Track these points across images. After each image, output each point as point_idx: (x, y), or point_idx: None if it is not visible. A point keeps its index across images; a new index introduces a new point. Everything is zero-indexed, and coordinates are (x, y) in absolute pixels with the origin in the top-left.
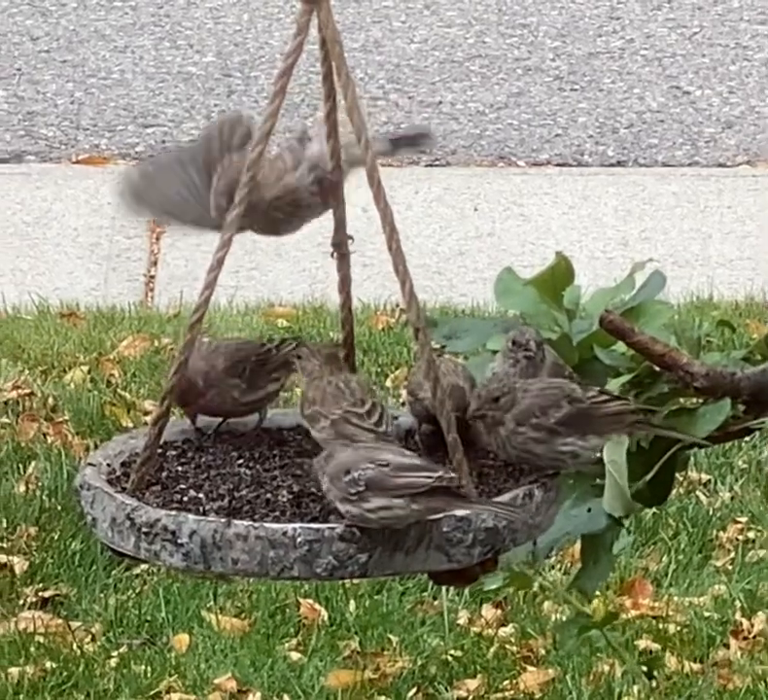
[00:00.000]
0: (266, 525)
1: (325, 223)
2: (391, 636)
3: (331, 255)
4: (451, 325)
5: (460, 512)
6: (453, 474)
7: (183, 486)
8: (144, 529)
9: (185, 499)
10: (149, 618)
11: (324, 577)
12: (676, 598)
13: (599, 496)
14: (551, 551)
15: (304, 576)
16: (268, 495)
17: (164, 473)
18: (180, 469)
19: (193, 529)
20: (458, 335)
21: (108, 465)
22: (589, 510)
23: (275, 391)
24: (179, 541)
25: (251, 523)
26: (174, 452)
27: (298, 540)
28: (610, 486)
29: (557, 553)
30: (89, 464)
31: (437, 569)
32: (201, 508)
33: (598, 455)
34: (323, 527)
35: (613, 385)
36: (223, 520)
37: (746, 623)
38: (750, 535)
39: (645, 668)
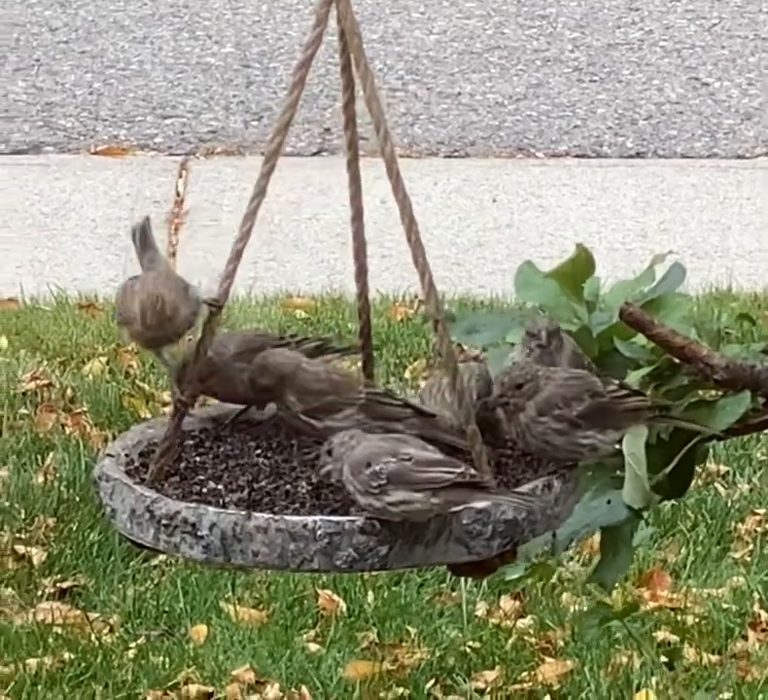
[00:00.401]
0: (287, 517)
1: (342, 214)
2: (409, 627)
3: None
4: (470, 319)
5: (479, 505)
6: (474, 471)
7: (202, 477)
8: (164, 521)
9: (204, 490)
10: (167, 609)
11: (344, 570)
12: (694, 590)
13: (618, 488)
14: (571, 543)
15: (324, 568)
16: (288, 486)
17: (183, 464)
18: (198, 459)
19: (214, 521)
20: (477, 329)
21: (126, 455)
22: (609, 502)
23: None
24: (199, 533)
25: (271, 515)
26: (192, 442)
27: (319, 532)
28: (629, 478)
29: (576, 545)
30: (108, 455)
31: (457, 561)
32: (221, 500)
33: (617, 447)
34: (343, 519)
35: (633, 377)
36: (243, 513)
37: (764, 615)
38: None
39: (665, 659)
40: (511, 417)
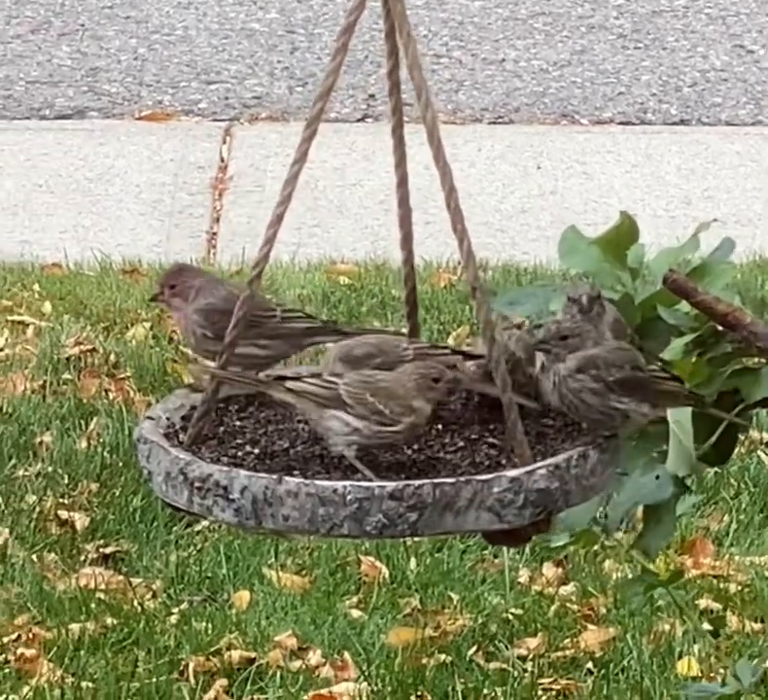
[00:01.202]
0: (317, 482)
1: (386, 181)
2: (452, 594)
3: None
4: (512, 293)
5: (511, 473)
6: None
7: (239, 441)
8: (196, 484)
9: (240, 454)
10: (209, 575)
11: (373, 536)
12: (737, 557)
13: (665, 462)
14: (622, 522)
15: (354, 534)
16: (323, 451)
17: (222, 428)
18: (239, 424)
19: (245, 485)
20: (519, 302)
21: (167, 418)
22: (657, 478)
23: (250, 355)
24: (230, 496)
25: (302, 480)
26: (236, 406)
27: (349, 497)
28: (674, 446)
29: (629, 523)
30: (148, 417)
31: (488, 529)
32: (254, 464)
33: (661, 415)
34: (373, 485)
35: (677, 345)
36: (274, 477)
37: None
38: None
39: (710, 627)
40: (548, 367)
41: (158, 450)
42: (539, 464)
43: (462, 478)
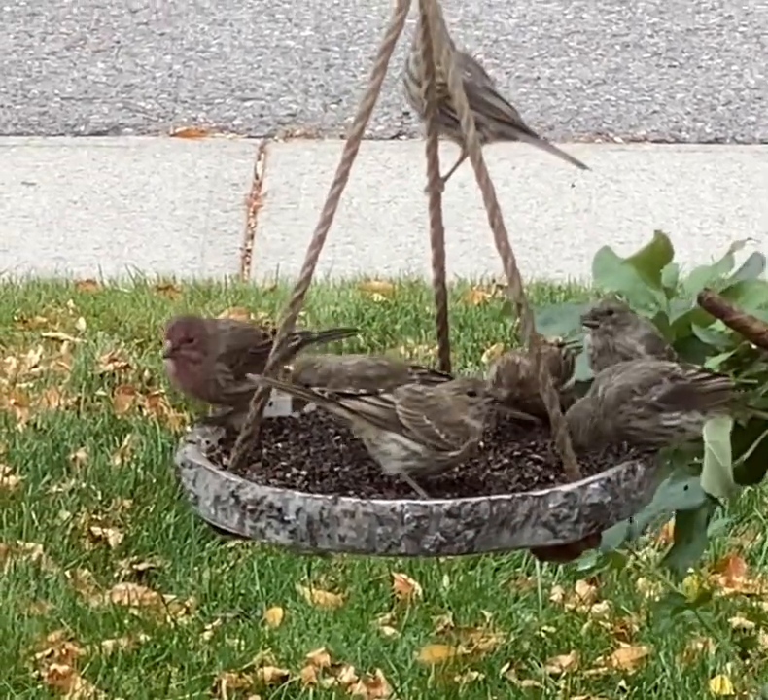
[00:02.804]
0: (374, 502)
1: (420, 198)
2: (485, 611)
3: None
4: (547, 311)
5: (566, 489)
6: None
7: (284, 463)
8: (249, 506)
9: (288, 476)
10: (243, 592)
11: (431, 554)
12: None
13: (696, 474)
14: (647, 527)
15: (412, 552)
16: (372, 471)
17: (264, 450)
18: (279, 446)
19: (300, 506)
20: (554, 320)
21: (207, 442)
22: (686, 488)
23: (243, 392)
24: (285, 518)
25: (359, 500)
26: (271, 429)
27: (407, 516)
28: (709, 467)
29: (652, 530)
30: (189, 441)
31: (543, 544)
32: (306, 486)
33: (701, 429)
34: (430, 503)
35: (711, 364)
36: (330, 497)
37: None
38: None
39: (738, 647)
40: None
41: (206, 474)
42: (591, 478)
43: (518, 494)
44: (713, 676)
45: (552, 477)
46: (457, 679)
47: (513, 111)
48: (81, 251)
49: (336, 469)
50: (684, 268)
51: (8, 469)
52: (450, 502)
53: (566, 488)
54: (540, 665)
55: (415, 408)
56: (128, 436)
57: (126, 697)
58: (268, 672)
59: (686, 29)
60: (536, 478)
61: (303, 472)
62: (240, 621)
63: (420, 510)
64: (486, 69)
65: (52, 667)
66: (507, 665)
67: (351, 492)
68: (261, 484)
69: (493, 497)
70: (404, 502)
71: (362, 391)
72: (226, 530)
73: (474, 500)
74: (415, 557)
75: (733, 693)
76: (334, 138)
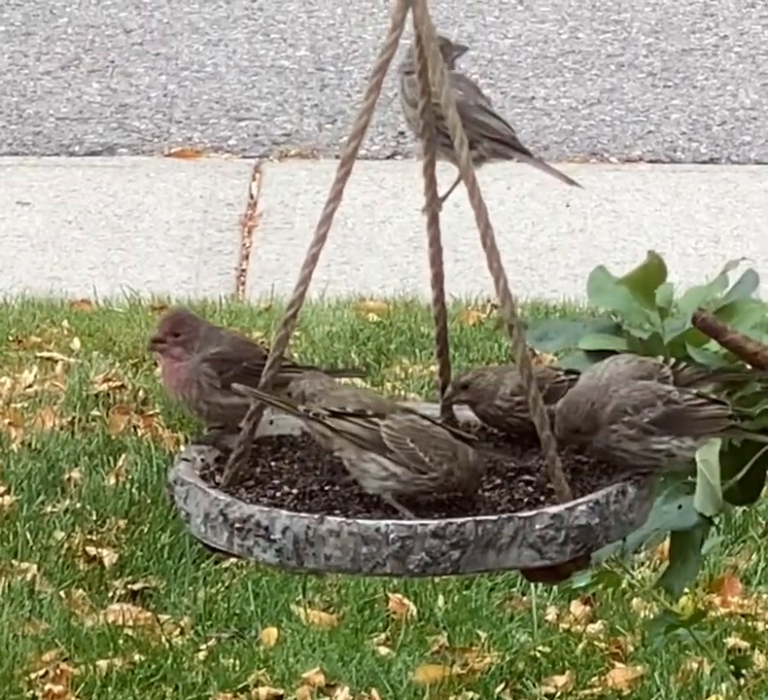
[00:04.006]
0: (359, 521)
1: (415, 218)
2: (479, 631)
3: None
4: (542, 327)
5: (553, 510)
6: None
7: (277, 482)
8: (237, 525)
9: (278, 494)
10: (237, 612)
11: (416, 574)
12: (765, 596)
13: (690, 493)
14: (640, 546)
15: (397, 572)
16: (363, 490)
17: (258, 469)
18: (274, 464)
19: (286, 525)
20: (549, 337)
21: (202, 460)
22: (679, 507)
23: (232, 405)
24: (272, 536)
25: (344, 519)
26: (269, 448)
27: (391, 536)
28: (701, 485)
29: (646, 549)
30: (183, 459)
31: (530, 566)
32: (294, 505)
33: (692, 455)
34: (415, 523)
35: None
36: (316, 516)
37: None
38: None
39: (733, 666)
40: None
41: (197, 492)
42: (579, 500)
43: (504, 516)
44: (707, 696)
45: (542, 499)
46: (452, 699)
47: (508, 128)
48: (75, 271)
49: (327, 488)
50: (679, 288)
51: (2, 489)
52: (435, 522)
53: (553, 510)
54: (535, 685)
55: (401, 431)
56: (123, 456)
57: None
58: (263, 692)
59: (681, 49)
60: (526, 499)
61: (294, 491)
62: (235, 641)
63: (405, 530)
64: (482, 89)
65: (47, 687)
66: (503, 685)
67: (338, 511)
68: (251, 503)
69: (478, 518)
70: (389, 522)
71: (348, 410)
72: (218, 548)
73: (460, 520)
74: (401, 577)
75: None
76: (329, 158)
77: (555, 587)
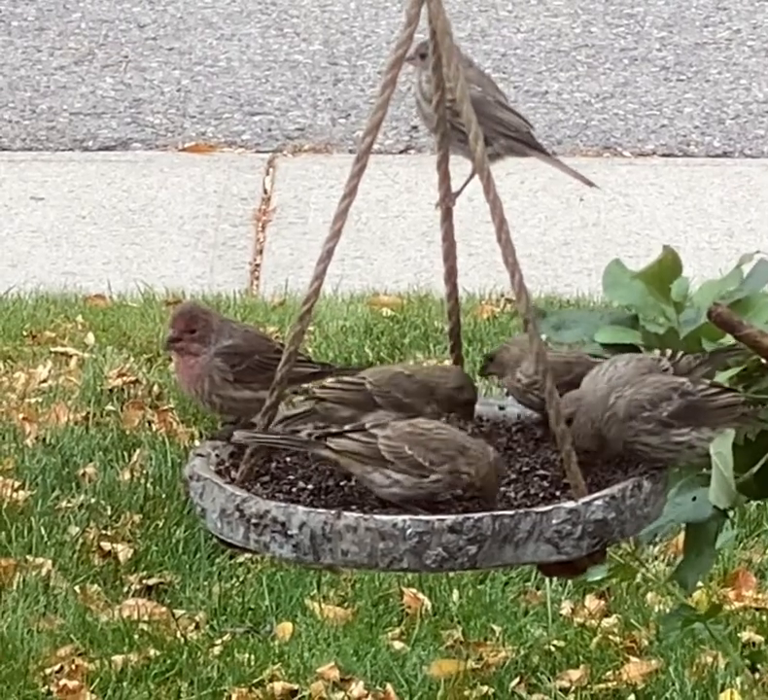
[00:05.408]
0: (376, 517)
1: (429, 212)
2: (494, 626)
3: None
4: (559, 316)
5: (569, 505)
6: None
7: (292, 477)
8: (254, 520)
9: (294, 490)
10: (252, 607)
11: (433, 569)
12: None
13: (705, 485)
14: (654, 538)
15: (414, 567)
16: None
17: (274, 465)
18: (289, 460)
19: (303, 520)
20: (566, 326)
21: (217, 455)
22: (694, 499)
23: (246, 399)
24: (289, 532)
25: (361, 515)
26: None
27: (408, 531)
28: (715, 478)
29: (660, 540)
30: (198, 454)
31: (546, 561)
32: (311, 500)
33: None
34: (432, 518)
35: (721, 379)
36: (333, 512)
37: None
38: None
39: (748, 660)
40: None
41: (213, 487)
42: (595, 495)
43: (521, 510)
44: (722, 690)
45: (558, 494)
46: (467, 693)
47: (526, 124)
48: (89, 266)
49: (342, 483)
50: (693, 282)
51: (17, 484)
52: (452, 517)
53: (569, 505)
54: (549, 679)
55: (398, 439)
56: (137, 450)
57: None
58: (278, 687)
59: (695, 43)
60: (541, 494)
61: (309, 487)
62: (250, 636)
63: (422, 526)
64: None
65: (62, 682)
66: (517, 679)
67: (354, 507)
68: (267, 498)
69: (496, 513)
70: (406, 517)
71: (346, 427)
72: (233, 544)
73: (477, 515)
74: (418, 572)
75: None
76: (343, 153)
77: (570, 581)
